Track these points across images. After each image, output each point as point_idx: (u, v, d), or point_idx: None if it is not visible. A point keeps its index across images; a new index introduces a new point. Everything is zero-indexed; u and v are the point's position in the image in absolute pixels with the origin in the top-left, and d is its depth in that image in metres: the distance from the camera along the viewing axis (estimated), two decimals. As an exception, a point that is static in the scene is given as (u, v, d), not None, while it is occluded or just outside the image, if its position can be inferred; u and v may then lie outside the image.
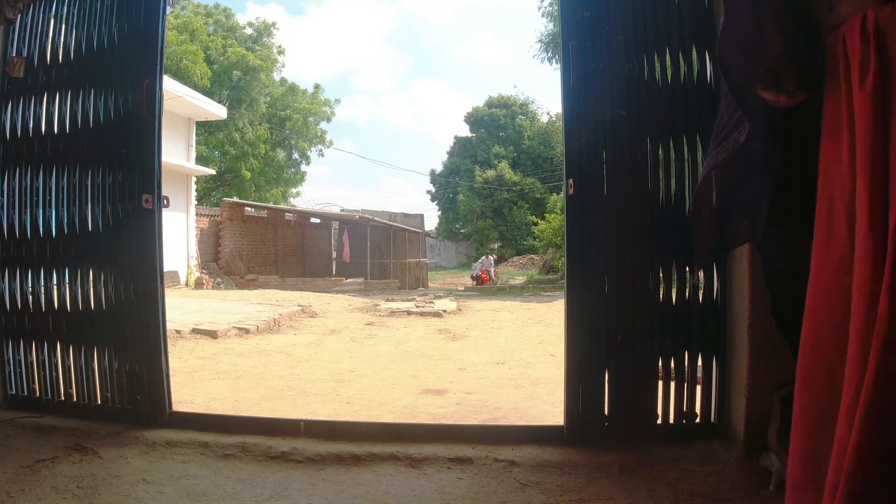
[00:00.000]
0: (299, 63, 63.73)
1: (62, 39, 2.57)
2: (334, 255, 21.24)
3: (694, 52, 2.17)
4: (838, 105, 1.22)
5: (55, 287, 2.54)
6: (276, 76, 24.27)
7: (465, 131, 31.59)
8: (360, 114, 72.38)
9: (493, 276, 20.37)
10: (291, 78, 25.73)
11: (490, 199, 27.94)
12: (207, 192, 22.37)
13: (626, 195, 2.18)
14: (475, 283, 19.66)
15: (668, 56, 2.17)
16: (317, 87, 25.74)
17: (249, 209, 16.63)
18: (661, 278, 2.20)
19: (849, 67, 1.19)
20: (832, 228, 1.23)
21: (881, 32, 1.15)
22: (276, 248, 17.40)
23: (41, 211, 2.55)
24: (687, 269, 2.18)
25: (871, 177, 1.13)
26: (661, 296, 2.21)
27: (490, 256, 22.02)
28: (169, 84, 10.48)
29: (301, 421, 2.40)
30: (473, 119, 30.88)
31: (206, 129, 20.67)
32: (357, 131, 70.58)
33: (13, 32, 2.59)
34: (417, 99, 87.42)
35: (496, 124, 30.27)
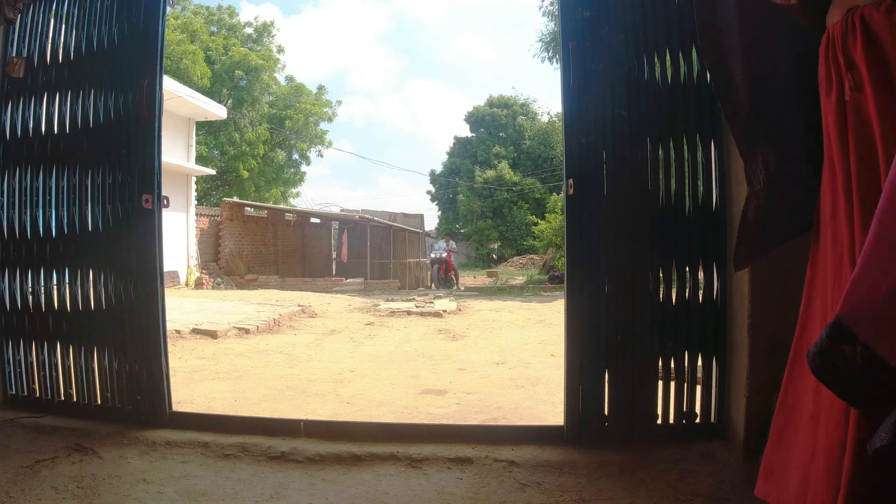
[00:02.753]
0: (295, 63, 63.87)
1: (62, 39, 2.57)
2: (334, 255, 21.22)
3: (694, 53, 2.17)
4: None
5: (55, 287, 2.54)
6: (278, 76, 24.27)
7: (464, 131, 31.60)
8: (356, 114, 72.32)
9: (454, 264, 15.98)
10: (287, 77, 25.39)
11: (490, 200, 27.91)
12: (207, 192, 22.36)
13: (626, 195, 2.18)
14: (438, 268, 14.96)
15: (668, 56, 2.17)
16: (320, 87, 25.72)
17: (249, 209, 16.62)
18: (661, 278, 2.20)
19: (828, 71, 1.22)
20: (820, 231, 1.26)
21: (833, 40, 1.19)
22: (276, 248, 17.39)
23: (41, 211, 2.55)
24: (687, 269, 2.18)
25: (832, 186, 1.20)
26: (661, 296, 2.21)
27: (451, 241, 16.91)
28: (169, 84, 10.48)
29: (301, 421, 2.40)
30: (473, 119, 30.86)
31: (206, 129, 20.66)
32: (354, 131, 70.53)
33: (13, 32, 2.59)
34: (414, 99, 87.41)
35: (496, 124, 30.25)
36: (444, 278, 15.12)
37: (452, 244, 16.65)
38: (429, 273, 15.78)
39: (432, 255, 15.73)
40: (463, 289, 15.22)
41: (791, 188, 1.48)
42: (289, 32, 66.29)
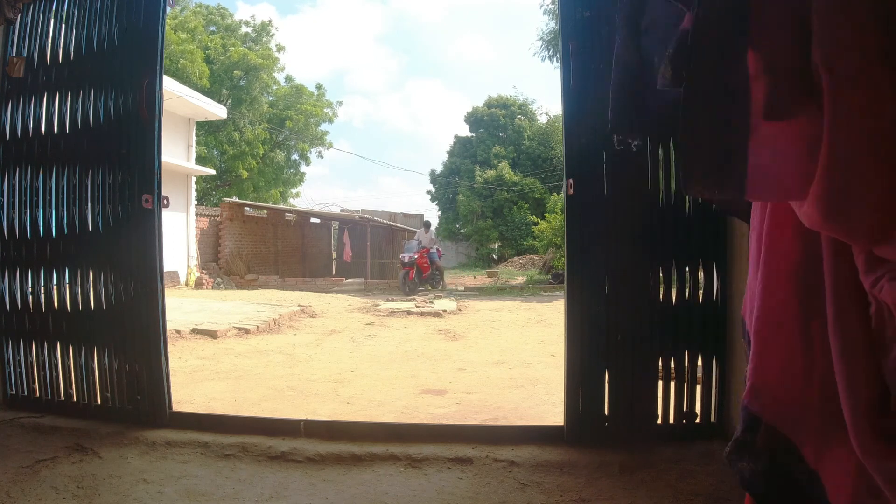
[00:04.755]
0: (293, 63, 63.60)
1: (62, 39, 2.57)
2: (334, 255, 21.19)
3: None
4: None
5: (55, 287, 2.54)
6: (278, 76, 24.24)
7: (464, 131, 31.58)
8: (355, 114, 71.99)
9: (438, 261, 12.88)
10: (287, 78, 25.37)
11: (490, 199, 27.90)
12: (207, 192, 22.35)
13: (626, 195, 2.18)
14: (406, 272, 11.98)
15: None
16: (319, 87, 25.67)
17: (249, 209, 16.61)
18: (661, 278, 2.20)
19: None
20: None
21: None
22: (276, 248, 17.39)
23: (41, 211, 2.55)
24: (687, 269, 2.18)
25: None
26: (661, 296, 2.21)
27: (432, 230, 13.90)
28: (169, 84, 10.47)
29: (301, 421, 2.40)
30: (473, 119, 30.85)
31: (206, 128, 20.65)
32: (353, 131, 70.20)
33: (13, 32, 2.59)
34: (413, 99, 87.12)
35: (496, 124, 30.24)
36: (419, 282, 12.29)
37: (432, 234, 13.40)
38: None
39: (404, 258, 12.53)
40: (463, 288, 14.19)
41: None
42: (286, 32, 66.17)
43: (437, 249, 13.34)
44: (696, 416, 2.19)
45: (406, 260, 12.39)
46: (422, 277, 12.37)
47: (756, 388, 0.98)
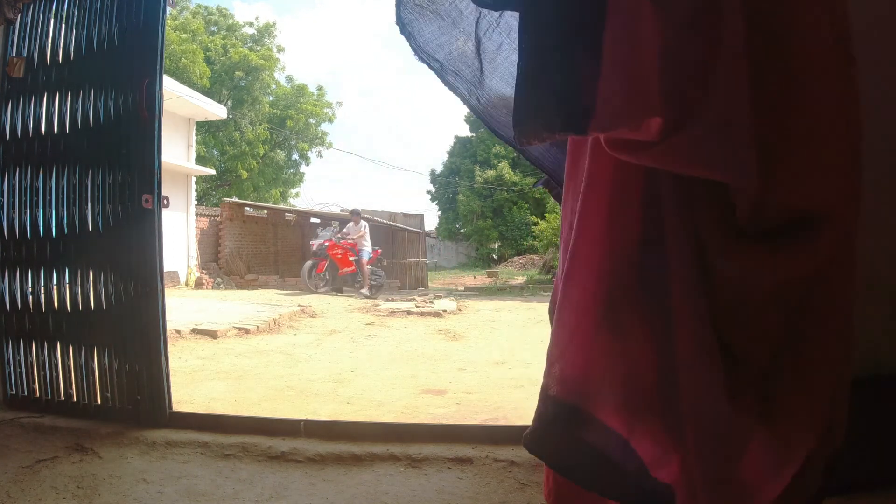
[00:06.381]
0: (291, 63, 63.46)
1: (62, 39, 2.57)
2: (334, 254, 21.11)
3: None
4: None
5: (55, 287, 2.54)
6: (279, 76, 24.25)
7: (464, 131, 31.58)
8: (355, 114, 71.94)
9: (365, 261, 10.40)
10: (288, 78, 25.39)
11: (490, 199, 27.91)
12: (207, 192, 22.35)
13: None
14: (315, 263, 10.00)
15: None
16: (320, 88, 25.74)
17: (249, 209, 16.59)
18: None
19: None
20: None
21: None
22: (276, 248, 17.37)
23: (41, 211, 2.55)
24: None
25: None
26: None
27: (363, 223, 10.97)
28: (169, 84, 10.45)
29: (301, 421, 2.40)
30: (473, 118, 30.85)
31: (206, 128, 20.65)
32: (353, 131, 70.08)
33: (13, 32, 2.59)
34: (414, 99, 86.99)
35: (496, 124, 30.25)
36: (331, 279, 10.28)
37: (363, 226, 10.80)
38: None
39: (311, 244, 10.29)
40: (463, 288, 13.86)
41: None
42: (284, 32, 66.15)
43: (376, 250, 11.28)
44: (696, 416, 2.19)
45: (314, 248, 10.21)
46: (338, 274, 10.27)
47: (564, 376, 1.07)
